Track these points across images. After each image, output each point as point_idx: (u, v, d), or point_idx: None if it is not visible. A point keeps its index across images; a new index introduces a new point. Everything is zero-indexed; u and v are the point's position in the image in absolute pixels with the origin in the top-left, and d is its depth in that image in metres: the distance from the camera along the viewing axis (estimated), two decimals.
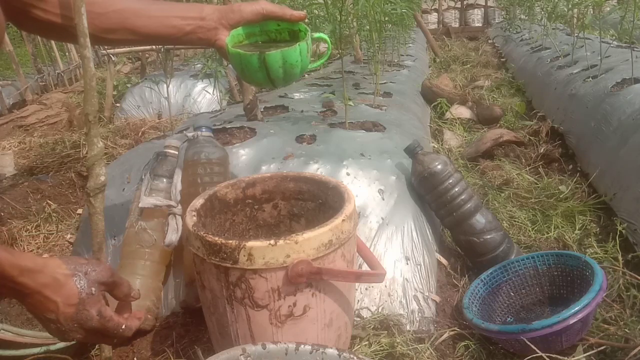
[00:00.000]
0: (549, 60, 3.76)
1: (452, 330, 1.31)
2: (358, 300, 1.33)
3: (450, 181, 1.48)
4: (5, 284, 0.69)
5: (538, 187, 2.10)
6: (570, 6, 3.52)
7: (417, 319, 1.33)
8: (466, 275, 1.52)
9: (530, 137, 2.68)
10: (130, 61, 6.53)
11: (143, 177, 1.42)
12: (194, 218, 0.99)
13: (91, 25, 0.91)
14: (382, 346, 1.21)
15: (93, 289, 0.74)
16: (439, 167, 1.49)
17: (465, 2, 9.78)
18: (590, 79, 2.67)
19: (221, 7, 0.96)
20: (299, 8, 2.92)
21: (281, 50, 0.91)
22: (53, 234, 1.98)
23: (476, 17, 9.85)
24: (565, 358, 1.11)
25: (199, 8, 0.95)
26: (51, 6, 0.88)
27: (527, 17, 5.87)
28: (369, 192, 1.47)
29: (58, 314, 0.72)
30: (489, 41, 7.35)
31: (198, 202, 1.06)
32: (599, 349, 1.16)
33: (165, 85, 2.42)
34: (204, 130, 1.42)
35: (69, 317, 0.73)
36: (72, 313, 0.73)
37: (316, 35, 1.02)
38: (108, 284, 0.77)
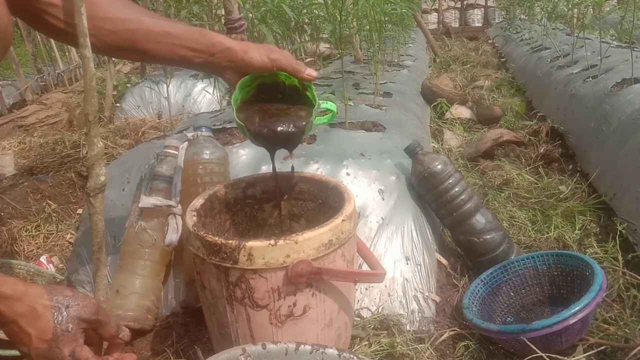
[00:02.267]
0: (549, 60, 3.76)
1: (452, 330, 1.31)
2: (358, 300, 1.33)
3: (450, 181, 1.48)
4: None
5: (538, 187, 2.10)
6: (570, 6, 3.53)
7: (417, 319, 1.33)
8: (466, 275, 1.52)
9: (530, 137, 2.68)
10: (130, 61, 6.53)
11: (143, 177, 1.42)
12: (194, 218, 0.99)
13: (101, 42, 0.92)
14: (382, 346, 1.21)
15: (70, 325, 0.70)
16: (439, 167, 1.49)
17: (465, 2, 9.78)
18: (590, 79, 2.67)
19: (231, 48, 0.93)
20: (299, 8, 2.92)
21: None
22: (53, 234, 1.98)
23: (476, 17, 9.86)
24: (565, 358, 1.11)
25: (209, 42, 0.92)
26: (62, 14, 0.89)
27: (527, 17, 5.88)
28: (369, 192, 1.47)
29: (30, 348, 0.69)
30: (489, 41, 7.36)
31: (198, 202, 1.06)
32: (599, 349, 1.16)
33: (165, 85, 2.42)
34: (204, 130, 1.42)
35: (40, 353, 0.69)
36: (44, 350, 0.69)
37: (324, 105, 1.02)
38: (91, 321, 0.72)
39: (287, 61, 0.93)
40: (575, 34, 3.67)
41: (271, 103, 0.99)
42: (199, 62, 0.94)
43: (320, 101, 0.99)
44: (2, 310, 0.66)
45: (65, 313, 0.69)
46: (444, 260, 1.56)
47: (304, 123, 0.94)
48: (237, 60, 0.93)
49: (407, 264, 1.39)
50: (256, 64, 0.93)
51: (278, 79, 0.98)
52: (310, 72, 0.93)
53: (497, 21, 9.18)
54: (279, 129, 0.93)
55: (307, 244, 0.89)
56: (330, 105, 1.05)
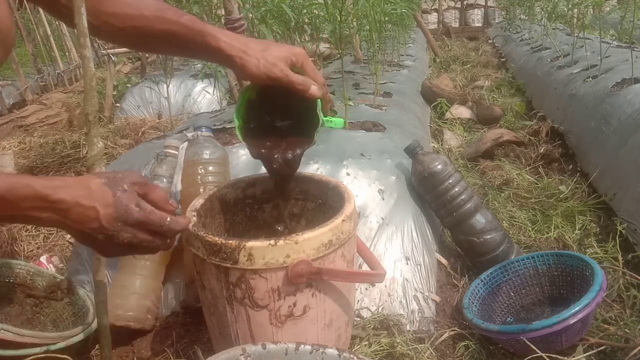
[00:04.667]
0: (549, 60, 3.76)
1: (452, 330, 1.31)
2: (358, 300, 1.33)
3: (450, 181, 1.48)
4: (43, 207, 0.71)
5: (538, 187, 2.10)
6: (570, 6, 3.53)
7: (417, 319, 1.33)
8: (466, 275, 1.52)
9: (530, 137, 2.68)
10: (130, 61, 6.53)
11: None
12: (194, 218, 0.99)
13: (112, 37, 0.97)
14: (382, 346, 1.21)
15: (125, 186, 0.75)
16: (439, 167, 1.49)
17: (465, 2, 9.78)
18: (590, 79, 2.67)
19: (232, 57, 0.91)
20: (299, 8, 2.92)
21: None
22: (53, 234, 1.97)
23: (476, 17, 9.85)
24: (565, 358, 1.11)
25: (210, 48, 0.92)
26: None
27: (527, 17, 5.88)
28: (369, 192, 1.47)
29: (100, 218, 0.73)
30: (489, 41, 7.35)
31: (198, 202, 1.06)
32: (599, 349, 1.16)
33: (165, 85, 2.42)
34: (204, 130, 1.42)
35: (110, 218, 0.74)
36: (112, 212, 0.74)
37: (328, 125, 1.00)
38: (140, 183, 0.78)
39: (282, 72, 0.89)
40: (575, 34, 3.67)
41: (273, 115, 1.01)
42: (204, 60, 0.96)
43: (326, 118, 0.98)
44: (63, 197, 0.71)
45: (116, 181, 0.76)
46: (444, 260, 1.56)
47: (297, 160, 0.97)
48: (236, 69, 0.93)
49: (407, 264, 1.39)
50: (252, 76, 0.92)
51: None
52: (313, 92, 0.89)
53: (497, 21, 9.17)
54: (275, 166, 0.97)
55: (307, 244, 0.89)
56: (336, 123, 1.03)
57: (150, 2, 0.94)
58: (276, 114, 1.02)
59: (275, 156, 0.97)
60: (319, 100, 0.94)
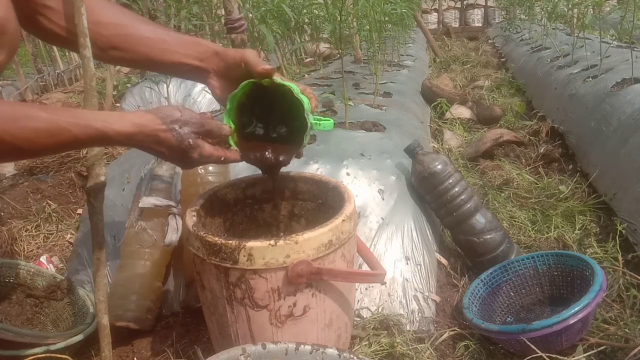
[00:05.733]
0: (549, 60, 3.76)
1: (452, 330, 1.31)
2: (358, 300, 1.33)
3: (450, 181, 1.48)
4: (121, 145, 0.89)
5: (538, 187, 2.10)
6: (570, 6, 3.53)
7: (417, 319, 1.33)
8: (466, 275, 1.52)
9: (530, 137, 2.68)
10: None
11: (143, 177, 1.42)
12: (194, 218, 0.99)
13: (96, 46, 0.96)
14: (382, 346, 1.21)
15: (190, 140, 0.85)
16: (439, 167, 1.49)
17: (465, 2, 9.78)
18: (590, 79, 2.67)
19: (217, 51, 0.99)
20: (299, 8, 2.92)
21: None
22: (53, 234, 1.97)
23: (476, 17, 9.86)
24: (565, 358, 1.11)
25: (200, 47, 0.99)
26: (56, 17, 0.92)
27: (527, 17, 5.88)
28: (369, 192, 1.47)
29: (166, 157, 0.88)
30: (489, 41, 7.36)
31: (198, 202, 1.06)
32: (599, 349, 1.16)
33: (165, 85, 2.42)
34: None
35: (176, 159, 0.88)
36: (178, 157, 0.87)
37: (317, 128, 1.00)
38: (201, 132, 0.87)
39: (253, 57, 0.97)
40: (575, 34, 3.67)
41: (264, 119, 1.03)
42: (189, 67, 0.99)
43: (315, 120, 0.98)
44: (136, 144, 0.84)
45: (180, 131, 0.85)
46: (444, 260, 1.56)
47: (285, 164, 1.01)
48: (219, 59, 0.98)
49: (407, 264, 1.39)
50: (229, 58, 0.98)
51: (262, 84, 0.97)
52: (264, 66, 0.95)
53: (497, 21, 9.18)
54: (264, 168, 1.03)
55: (307, 244, 0.89)
56: (324, 125, 1.03)
57: (138, 16, 1.01)
58: (267, 118, 1.03)
59: (264, 159, 1.00)
60: (305, 103, 0.95)
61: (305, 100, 0.95)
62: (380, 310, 1.32)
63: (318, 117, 1.02)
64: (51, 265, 1.67)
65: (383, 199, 1.46)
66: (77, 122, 0.78)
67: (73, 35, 0.93)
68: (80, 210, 2.16)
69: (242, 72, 0.96)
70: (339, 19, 1.83)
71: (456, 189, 1.49)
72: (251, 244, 0.87)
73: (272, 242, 0.88)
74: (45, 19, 0.92)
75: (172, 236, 1.33)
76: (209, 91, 1.03)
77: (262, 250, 0.87)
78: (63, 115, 0.77)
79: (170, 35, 0.99)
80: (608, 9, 3.96)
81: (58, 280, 1.41)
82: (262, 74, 0.94)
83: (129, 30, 0.95)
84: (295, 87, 0.95)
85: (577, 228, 1.78)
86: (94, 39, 0.95)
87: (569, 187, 2.03)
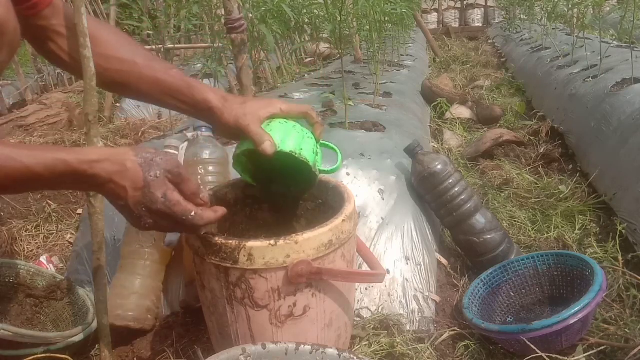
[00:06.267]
0: (549, 60, 3.76)
1: (452, 330, 1.31)
2: (358, 300, 1.33)
3: (450, 181, 1.48)
4: (81, 181, 0.75)
5: (538, 187, 2.10)
6: (570, 6, 3.53)
7: (417, 319, 1.33)
8: (466, 275, 1.52)
9: (530, 137, 2.68)
10: None
11: None
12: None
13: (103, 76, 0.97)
14: (382, 346, 1.21)
15: (158, 172, 0.77)
16: (439, 167, 1.49)
17: (465, 2, 9.79)
18: (590, 79, 2.67)
19: (213, 109, 0.95)
20: (299, 8, 2.92)
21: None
22: (53, 234, 1.97)
23: (476, 17, 9.86)
24: (565, 358, 1.11)
25: (194, 99, 0.96)
26: (66, 46, 0.96)
27: (527, 17, 5.88)
28: (369, 192, 1.47)
29: (127, 199, 0.77)
30: (489, 41, 7.36)
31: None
32: (599, 349, 1.16)
33: None
34: (204, 130, 1.42)
35: (137, 201, 0.77)
36: (140, 196, 0.77)
37: (322, 170, 1.01)
38: (174, 173, 0.79)
39: (245, 122, 0.92)
40: (575, 34, 3.67)
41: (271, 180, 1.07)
42: (186, 113, 0.99)
43: (320, 156, 0.99)
44: (98, 173, 0.75)
45: (151, 164, 0.77)
46: (444, 260, 1.56)
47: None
48: (217, 122, 0.96)
49: (407, 264, 1.39)
50: (225, 123, 0.95)
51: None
52: (265, 148, 0.90)
53: (497, 21, 9.18)
54: None
55: (307, 244, 0.89)
56: (331, 170, 1.03)
57: (142, 51, 0.99)
58: (274, 176, 1.06)
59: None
60: (309, 161, 0.93)
61: (310, 154, 0.94)
62: (380, 310, 1.32)
63: (325, 143, 1.03)
64: (51, 265, 1.67)
65: (383, 199, 1.46)
66: (30, 153, 0.71)
67: (76, 63, 0.95)
68: (80, 210, 2.16)
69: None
70: (339, 19, 1.83)
71: (456, 189, 1.49)
72: (251, 243, 0.87)
73: (272, 242, 0.88)
74: (55, 46, 0.95)
75: (172, 236, 1.33)
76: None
77: (262, 250, 0.87)
78: (18, 148, 0.71)
79: (167, 76, 0.96)
80: (608, 9, 3.97)
81: (58, 280, 1.41)
82: (262, 153, 0.91)
83: (128, 67, 0.95)
84: (307, 156, 0.93)
85: (577, 228, 1.78)
86: (98, 72, 0.96)
87: (569, 187, 2.03)
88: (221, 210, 0.85)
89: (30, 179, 0.71)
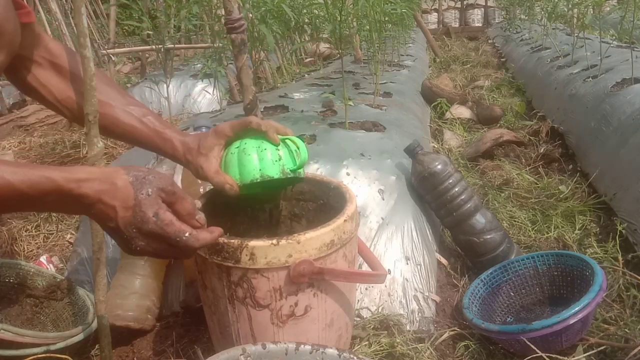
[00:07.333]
0: (549, 60, 3.76)
1: (452, 330, 1.31)
2: (358, 300, 1.33)
3: (450, 181, 1.49)
4: (67, 201, 0.69)
5: (538, 187, 2.10)
6: (570, 6, 3.53)
7: (417, 319, 1.33)
8: (466, 275, 1.52)
9: (530, 137, 2.68)
10: (130, 61, 6.52)
11: None
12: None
13: (73, 115, 0.97)
14: (382, 346, 1.21)
15: (150, 190, 0.72)
16: (439, 167, 1.49)
17: (465, 2, 9.79)
18: (590, 79, 2.67)
19: (190, 164, 0.98)
20: (299, 8, 2.91)
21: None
22: (53, 233, 1.97)
23: (476, 17, 9.87)
24: (565, 358, 1.11)
25: (167, 150, 0.99)
26: (52, 95, 0.96)
27: (527, 17, 5.88)
28: (369, 192, 1.47)
29: (117, 219, 0.71)
30: (489, 41, 7.36)
31: (198, 202, 1.06)
32: (599, 349, 1.16)
33: (165, 85, 2.42)
34: (204, 130, 1.42)
35: (127, 221, 0.71)
36: (130, 216, 0.71)
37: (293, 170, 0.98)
38: (168, 191, 0.74)
39: (214, 179, 0.96)
40: (575, 34, 3.67)
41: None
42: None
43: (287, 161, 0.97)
44: (87, 192, 0.69)
45: (143, 182, 0.72)
46: (444, 260, 1.56)
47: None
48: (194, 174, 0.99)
49: (407, 264, 1.39)
50: (201, 178, 0.98)
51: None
52: (229, 193, 0.95)
53: (497, 21, 9.19)
54: None
55: (309, 243, 0.89)
56: (296, 167, 1.00)
57: (118, 93, 1.00)
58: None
59: None
60: (273, 175, 0.95)
61: (269, 167, 0.94)
62: (380, 310, 1.32)
63: (287, 138, 0.98)
64: (51, 265, 1.67)
65: (383, 199, 1.46)
66: (15, 170, 0.66)
67: (51, 96, 0.95)
68: None
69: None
70: (339, 19, 1.83)
71: (456, 189, 1.49)
72: (253, 243, 0.87)
73: (274, 241, 0.88)
74: (39, 96, 0.95)
75: None
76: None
77: (264, 250, 0.87)
78: (2, 164, 0.66)
79: (142, 124, 0.97)
80: (608, 9, 3.97)
81: (58, 280, 1.41)
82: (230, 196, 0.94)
83: (104, 110, 0.95)
84: (269, 172, 0.94)
85: (577, 228, 1.78)
86: (70, 108, 0.96)
87: (569, 187, 2.03)
88: (217, 231, 0.81)
89: (13, 197, 0.65)
